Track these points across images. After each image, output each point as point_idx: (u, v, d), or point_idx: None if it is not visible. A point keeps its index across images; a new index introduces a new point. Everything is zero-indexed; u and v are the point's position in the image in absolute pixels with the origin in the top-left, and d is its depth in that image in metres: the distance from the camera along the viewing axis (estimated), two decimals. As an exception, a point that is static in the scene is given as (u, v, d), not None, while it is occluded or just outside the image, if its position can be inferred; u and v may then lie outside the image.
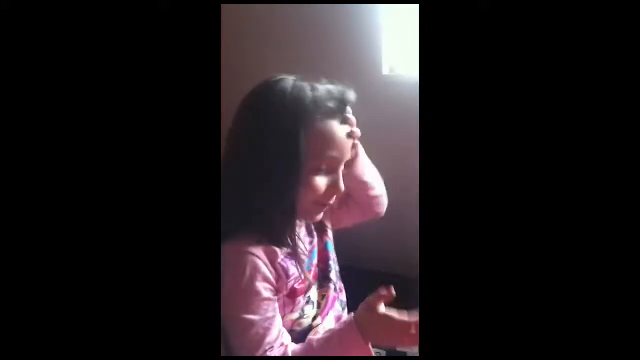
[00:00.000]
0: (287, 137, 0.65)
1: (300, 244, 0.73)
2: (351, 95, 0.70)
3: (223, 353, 0.65)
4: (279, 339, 0.68)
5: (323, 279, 0.77)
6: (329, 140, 0.67)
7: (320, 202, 0.71)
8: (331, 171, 0.69)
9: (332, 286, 0.78)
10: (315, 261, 0.77)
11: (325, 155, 0.67)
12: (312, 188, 0.68)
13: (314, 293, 0.75)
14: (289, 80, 0.69)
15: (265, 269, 0.68)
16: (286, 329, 0.71)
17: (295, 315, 0.72)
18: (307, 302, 0.74)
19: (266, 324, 0.68)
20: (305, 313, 0.73)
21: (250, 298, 0.67)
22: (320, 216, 0.73)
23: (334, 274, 0.79)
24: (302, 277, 0.72)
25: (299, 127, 0.65)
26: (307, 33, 1.43)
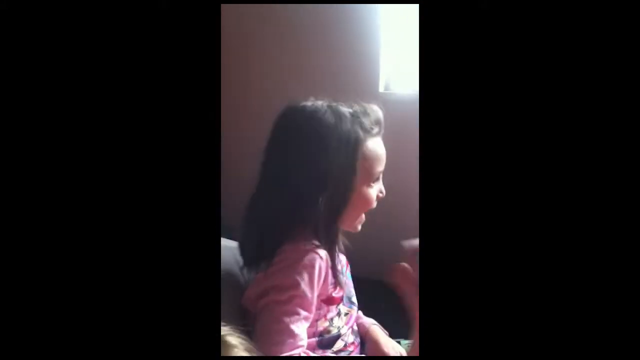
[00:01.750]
0: (344, 161, 0.72)
1: (338, 258, 0.79)
2: (381, 114, 0.77)
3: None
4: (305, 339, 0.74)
5: (346, 300, 0.83)
6: (377, 157, 0.76)
7: (368, 211, 0.79)
8: (377, 182, 0.78)
9: (355, 308, 0.85)
10: (345, 279, 0.83)
11: (375, 171, 0.76)
12: (367, 200, 0.77)
13: (342, 307, 0.81)
14: (325, 107, 0.74)
15: (323, 271, 0.74)
16: (317, 333, 0.77)
17: (326, 324, 0.78)
18: (338, 314, 0.80)
19: (306, 321, 0.73)
20: (334, 323, 0.79)
21: (309, 292, 0.72)
22: (359, 227, 0.81)
23: (355, 299, 0.86)
24: (339, 285, 0.78)
25: (355, 151, 0.72)
26: (311, 33, 1.43)
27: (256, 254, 0.77)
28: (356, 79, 1.40)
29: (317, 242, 0.74)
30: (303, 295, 0.72)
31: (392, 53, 1.43)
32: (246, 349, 0.52)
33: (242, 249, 0.81)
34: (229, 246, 0.92)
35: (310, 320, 0.74)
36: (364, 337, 0.87)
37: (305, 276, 0.72)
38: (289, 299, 0.71)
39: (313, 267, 0.72)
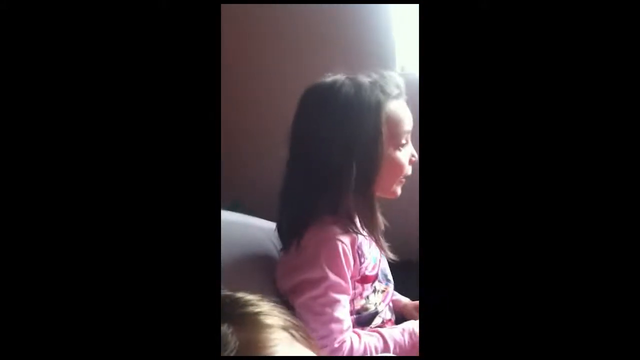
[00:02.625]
0: (368, 127, 0.73)
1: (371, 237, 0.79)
2: (400, 79, 0.78)
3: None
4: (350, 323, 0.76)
5: (382, 277, 0.84)
6: (401, 119, 0.76)
7: (404, 175, 0.79)
8: (407, 144, 0.78)
9: (391, 285, 0.87)
10: (379, 256, 0.83)
11: (401, 133, 0.76)
12: (398, 165, 0.77)
13: (378, 284, 0.83)
14: (343, 78, 0.75)
15: (350, 255, 0.75)
16: (354, 311, 0.80)
17: (362, 302, 0.80)
18: (374, 291, 0.81)
19: (346, 302, 0.75)
20: (370, 300, 0.81)
21: (341, 279, 0.74)
22: (400, 191, 0.81)
23: (390, 276, 0.87)
24: (375, 261, 0.80)
25: (378, 115, 0.73)
26: (311, 33, 1.44)
27: (290, 234, 0.78)
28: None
29: (345, 223, 0.75)
30: (336, 283, 0.74)
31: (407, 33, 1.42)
32: (291, 327, 0.47)
33: (280, 230, 0.82)
34: (264, 227, 0.94)
35: (349, 299, 0.76)
36: (400, 313, 0.90)
37: (333, 265, 0.73)
38: (324, 292, 0.73)
39: (337, 254, 0.73)
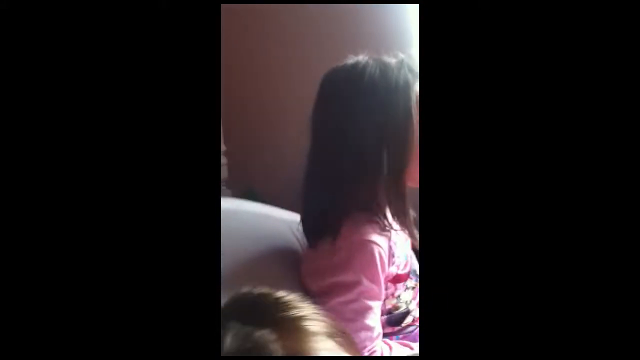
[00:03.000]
0: (397, 108, 0.68)
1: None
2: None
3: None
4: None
5: (412, 273, 0.80)
6: None
7: None
8: None
9: None
10: (409, 252, 0.79)
11: None
12: None
13: (409, 281, 0.78)
14: (367, 59, 0.70)
15: (385, 259, 0.70)
16: (385, 311, 0.74)
17: (394, 301, 0.75)
18: (406, 289, 0.76)
19: (378, 308, 0.70)
20: (401, 299, 0.76)
21: (375, 285, 0.69)
22: None
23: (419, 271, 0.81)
24: (406, 258, 0.74)
25: (407, 95, 0.68)
26: (309, 33, 1.43)
27: (319, 231, 0.72)
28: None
29: (380, 222, 0.70)
30: (369, 289, 0.68)
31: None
32: (335, 334, 0.43)
33: (305, 226, 0.76)
34: (284, 218, 0.88)
35: (381, 304, 0.71)
36: None
37: (368, 271, 0.68)
38: (356, 297, 0.68)
39: (374, 260, 0.68)
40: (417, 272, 0.80)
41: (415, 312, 0.79)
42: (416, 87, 0.69)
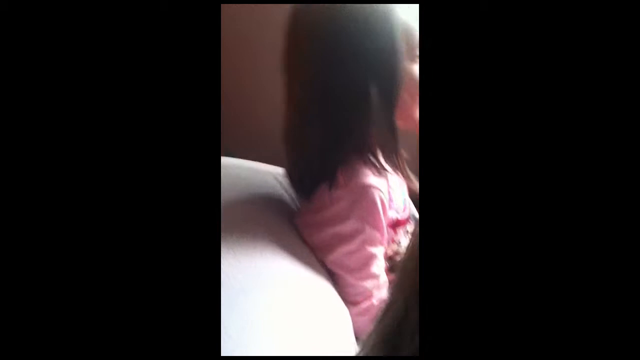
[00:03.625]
0: (382, 40, 0.63)
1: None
2: None
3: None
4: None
5: (411, 217, 0.78)
6: (416, 27, 0.66)
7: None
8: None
9: None
10: (406, 196, 0.77)
11: (415, 41, 0.66)
12: (415, 83, 0.66)
13: (409, 226, 0.76)
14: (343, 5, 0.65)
15: (386, 202, 0.68)
16: (386, 258, 0.72)
17: (395, 247, 0.74)
18: (405, 233, 0.75)
19: (381, 254, 0.69)
20: (402, 244, 0.74)
21: (377, 231, 0.67)
22: (417, 116, 0.72)
23: (417, 214, 0.79)
24: (404, 203, 0.73)
25: (391, 26, 0.63)
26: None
27: (311, 182, 0.69)
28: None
29: (375, 164, 0.67)
30: (372, 236, 0.67)
31: None
32: None
33: (292, 178, 0.73)
34: (271, 171, 0.84)
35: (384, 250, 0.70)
36: None
37: (370, 218, 0.66)
38: (359, 246, 0.66)
39: (375, 205, 0.66)
40: (417, 217, 0.78)
41: None
42: (401, 14, 0.65)
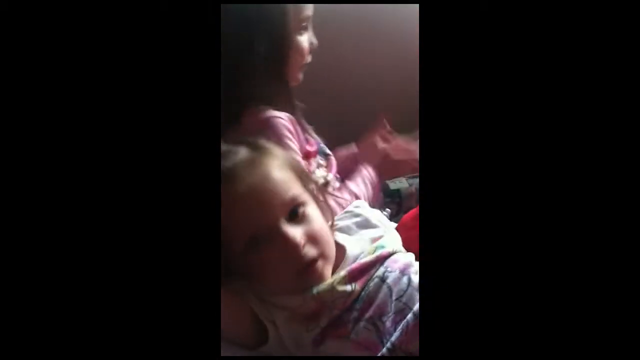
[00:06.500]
0: (273, 15, 0.76)
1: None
2: None
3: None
4: None
5: (321, 152, 0.90)
6: (306, 7, 0.81)
7: (305, 61, 0.84)
8: (307, 30, 0.82)
9: (332, 157, 0.92)
10: (313, 133, 0.88)
11: (304, 16, 0.81)
12: (300, 49, 0.81)
13: (320, 160, 0.87)
14: None
15: (292, 129, 0.79)
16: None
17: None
18: (318, 166, 0.86)
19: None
20: (317, 174, 0.85)
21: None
22: (302, 77, 0.86)
23: (327, 150, 0.92)
24: (309, 138, 0.84)
25: (287, 7, 0.77)
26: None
27: None
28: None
29: (273, 108, 0.78)
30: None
31: None
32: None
33: None
34: None
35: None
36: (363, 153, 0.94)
37: (280, 142, 0.75)
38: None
39: (281, 128, 0.76)
40: (327, 152, 0.90)
41: (334, 184, 0.86)
42: None
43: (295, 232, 0.58)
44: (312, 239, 0.59)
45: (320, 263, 0.59)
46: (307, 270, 0.58)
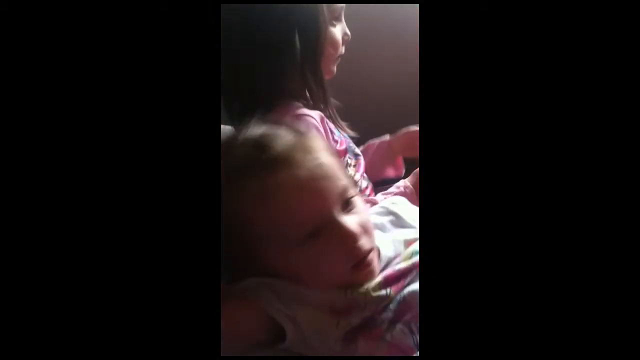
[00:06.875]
0: (308, 8, 0.76)
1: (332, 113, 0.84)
2: None
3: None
4: None
5: (350, 152, 0.87)
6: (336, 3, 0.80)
7: (339, 54, 0.83)
8: (340, 21, 0.82)
9: (361, 158, 0.89)
10: (342, 132, 0.87)
11: (337, 6, 0.80)
12: (334, 41, 0.80)
13: (349, 159, 0.86)
14: None
15: (320, 128, 0.77)
16: None
17: None
18: (347, 165, 0.84)
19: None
20: (347, 172, 0.81)
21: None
22: (335, 70, 0.85)
23: (358, 150, 0.90)
24: (341, 137, 0.82)
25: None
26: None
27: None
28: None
29: (306, 103, 0.77)
30: None
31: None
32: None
33: (229, 109, 0.81)
34: None
35: None
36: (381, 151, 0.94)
37: None
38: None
39: (312, 128, 0.74)
40: (356, 152, 0.88)
41: (361, 184, 0.85)
42: None
43: (352, 223, 0.55)
44: (365, 230, 0.56)
45: (373, 255, 0.56)
46: (363, 263, 0.55)
